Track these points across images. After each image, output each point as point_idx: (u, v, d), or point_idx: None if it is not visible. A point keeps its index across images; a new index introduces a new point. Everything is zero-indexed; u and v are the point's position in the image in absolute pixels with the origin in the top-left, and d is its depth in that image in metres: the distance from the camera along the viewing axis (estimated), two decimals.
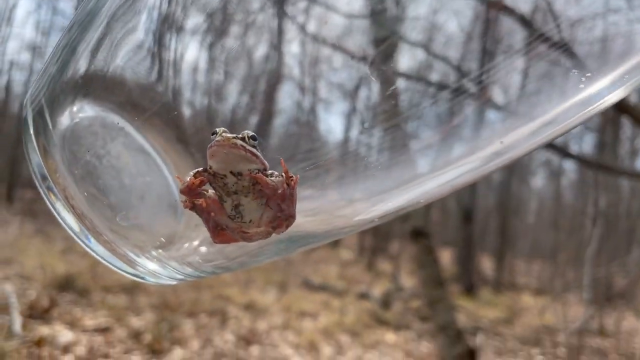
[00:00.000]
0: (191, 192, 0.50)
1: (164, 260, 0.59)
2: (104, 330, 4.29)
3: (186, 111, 0.59)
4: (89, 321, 4.41)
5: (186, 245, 0.59)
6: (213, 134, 0.48)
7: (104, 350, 3.92)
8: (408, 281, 8.53)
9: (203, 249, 0.58)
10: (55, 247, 6.95)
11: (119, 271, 0.60)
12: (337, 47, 0.56)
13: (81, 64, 0.57)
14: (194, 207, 0.51)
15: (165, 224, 0.59)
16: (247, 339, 4.74)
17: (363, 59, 0.56)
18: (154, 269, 0.60)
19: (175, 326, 4.51)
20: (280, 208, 0.50)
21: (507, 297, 9.15)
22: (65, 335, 3.97)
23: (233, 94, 0.59)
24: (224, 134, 0.47)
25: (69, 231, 0.59)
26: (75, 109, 0.57)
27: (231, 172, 0.48)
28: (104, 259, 0.59)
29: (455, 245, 10.71)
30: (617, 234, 8.41)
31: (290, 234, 0.54)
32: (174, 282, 0.63)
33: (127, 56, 0.56)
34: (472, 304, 7.84)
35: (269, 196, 0.49)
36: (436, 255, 3.34)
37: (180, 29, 0.57)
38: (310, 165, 0.56)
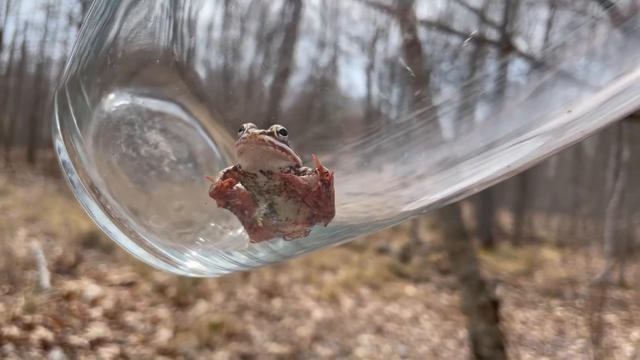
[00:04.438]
0: (220, 195, 0.47)
1: (205, 258, 0.55)
2: (129, 285, 4.38)
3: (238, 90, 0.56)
4: (115, 276, 4.50)
5: (227, 239, 0.55)
6: (240, 130, 0.44)
7: (130, 304, 4.01)
8: (427, 236, 8.56)
9: (244, 242, 0.54)
10: (79, 205, 7.03)
11: (158, 269, 0.57)
12: None
13: (115, 45, 0.52)
14: (227, 205, 0.48)
15: (207, 215, 0.55)
16: (269, 292, 4.82)
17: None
18: (194, 267, 0.56)
19: (199, 280, 4.59)
20: (317, 205, 0.46)
21: (526, 251, 9.16)
22: (92, 289, 4.06)
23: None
24: (250, 129, 0.44)
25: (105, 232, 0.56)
26: (111, 97, 0.53)
27: (261, 171, 0.45)
28: (142, 259, 0.56)
29: (474, 200, 10.68)
30: None
31: (334, 226, 0.49)
32: (218, 276, 0.60)
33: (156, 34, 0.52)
34: (492, 257, 7.85)
35: (303, 195, 0.46)
36: (459, 206, 3.33)
37: None
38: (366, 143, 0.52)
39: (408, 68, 0.52)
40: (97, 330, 3.39)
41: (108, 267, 4.70)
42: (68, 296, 3.80)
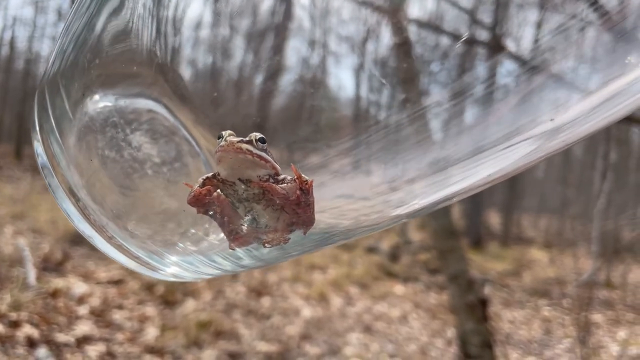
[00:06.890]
0: (199, 203, 0.47)
1: (186, 263, 0.54)
2: (117, 283, 4.34)
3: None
4: (102, 274, 4.46)
5: (208, 244, 0.54)
6: (219, 137, 0.44)
7: (118, 302, 3.98)
8: (416, 235, 8.58)
9: (226, 247, 0.52)
10: None
11: (139, 273, 0.56)
12: None
13: (96, 49, 0.51)
14: (207, 212, 0.48)
15: (189, 219, 0.53)
16: (258, 291, 4.80)
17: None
18: (175, 272, 0.55)
19: None
20: (296, 213, 0.46)
21: (514, 251, 9.21)
22: (79, 287, 4.03)
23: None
24: (229, 137, 0.43)
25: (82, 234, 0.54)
26: (92, 99, 0.51)
27: (240, 179, 0.44)
28: (122, 263, 0.55)
29: (463, 200, 10.69)
30: (627, 188, 8.38)
31: (318, 230, 0.49)
32: (200, 280, 0.59)
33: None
34: (480, 257, 7.89)
35: (282, 203, 0.45)
36: (448, 206, 3.33)
37: None
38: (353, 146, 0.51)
39: (383, 81, 0.51)
40: (84, 328, 3.36)
41: (95, 265, 4.66)
42: (54, 294, 3.76)
